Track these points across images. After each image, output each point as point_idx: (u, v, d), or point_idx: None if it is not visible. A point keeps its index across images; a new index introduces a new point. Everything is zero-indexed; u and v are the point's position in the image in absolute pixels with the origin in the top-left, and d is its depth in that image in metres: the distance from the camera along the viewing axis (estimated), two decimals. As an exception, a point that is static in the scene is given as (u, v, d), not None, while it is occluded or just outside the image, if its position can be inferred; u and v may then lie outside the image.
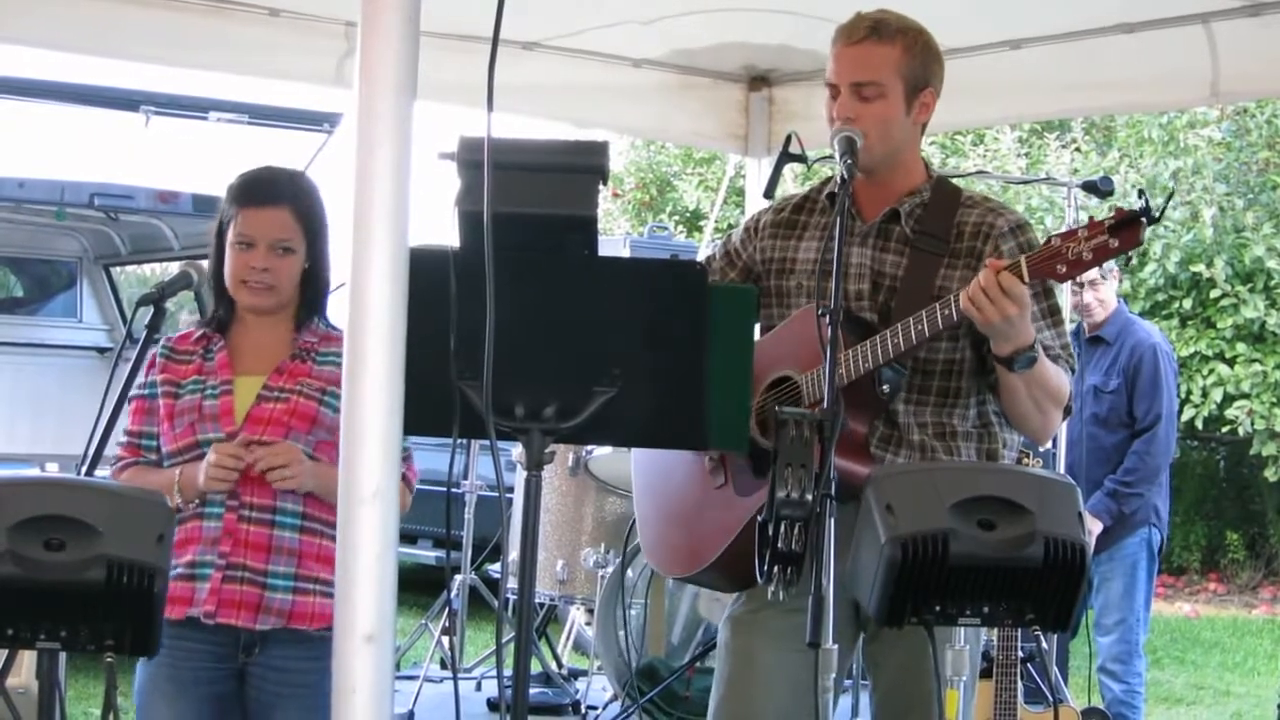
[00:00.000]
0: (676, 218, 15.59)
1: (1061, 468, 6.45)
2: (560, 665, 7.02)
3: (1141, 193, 3.22)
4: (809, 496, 2.81)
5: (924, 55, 3.50)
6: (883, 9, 3.53)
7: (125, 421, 3.71)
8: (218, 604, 3.52)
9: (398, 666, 6.43)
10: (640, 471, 3.92)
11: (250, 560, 3.56)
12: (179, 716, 3.63)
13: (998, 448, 3.57)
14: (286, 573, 3.59)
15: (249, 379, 3.67)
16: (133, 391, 3.71)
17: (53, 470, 7.58)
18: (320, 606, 3.62)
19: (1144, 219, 3.10)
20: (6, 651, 2.74)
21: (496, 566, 7.36)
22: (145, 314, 3.49)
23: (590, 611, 6.48)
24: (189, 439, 3.62)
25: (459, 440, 2.83)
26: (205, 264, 3.72)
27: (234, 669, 3.63)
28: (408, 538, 9.37)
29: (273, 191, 3.68)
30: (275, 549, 3.58)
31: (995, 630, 5.21)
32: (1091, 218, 3.20)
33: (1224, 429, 12.12)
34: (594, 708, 6.27)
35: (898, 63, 3.46)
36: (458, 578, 7.09)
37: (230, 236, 3.65)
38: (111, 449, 3.67)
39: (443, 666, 6.70)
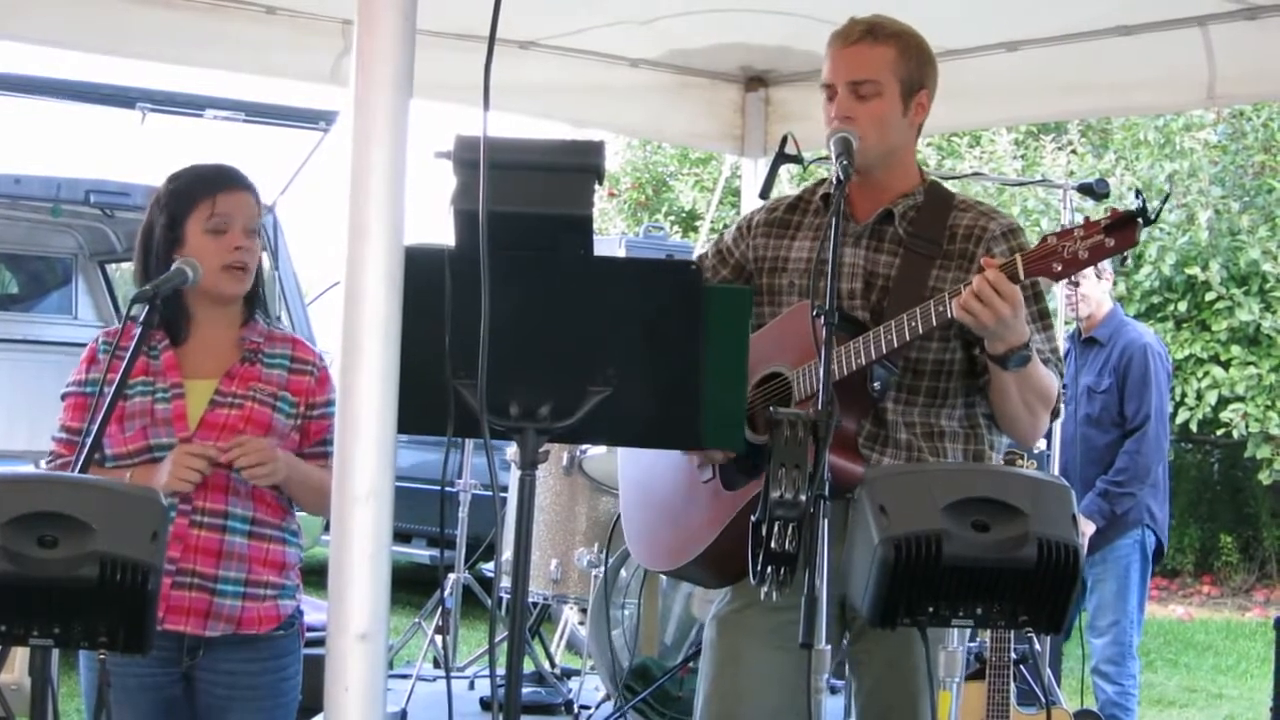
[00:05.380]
0: (672, 218, 15.59)
1: (1055, 469, 6.45)
2: (553, 664, 7.02)
3: (1139, 193, 3.23)
4: (803, 497, 2.82)
5: (918, 57, 3.54)
6: (877, 14, 3.56)
7: (62, 416, 3.68)
8: (166, 610, 3.46)
9: (391, 665, 6.43)
10: (627, 464, 3.92)
11: (200, 566, 3.55)
12: None
13: (984, 449, 3.59)
14: (237, 579, 3.59)
15: (200, 383, 3.65)
16: (69, 388, 3.69)
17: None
18: (267, 610, 3.64)
19: (1140, 219, 3.11)
20: (0, 648, 2.73)
21: (490, 565, 7.37)
22: (140, 311, 3.48)
23: (584, 611, 6.48)
24: (140, 443, 3.59)
25: (453, 439, 2.83)
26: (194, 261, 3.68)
27: (179, 673, 3.61)
28: (402, 536, 9.37)
29: (240, 177, 3.71)
30: (226, 555, 3.58)
31: (988, 631, 5.21)
32: (1088, 217, 3.21)
33: (1218, 432, 12.13)
34: (587, 707, 6.27)
35: (894, 63, 3.49)
36: (451, 576, 7.09)
37: (200, 225, 3.61)
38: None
39: (436, 665, 6.70)
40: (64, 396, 3.69)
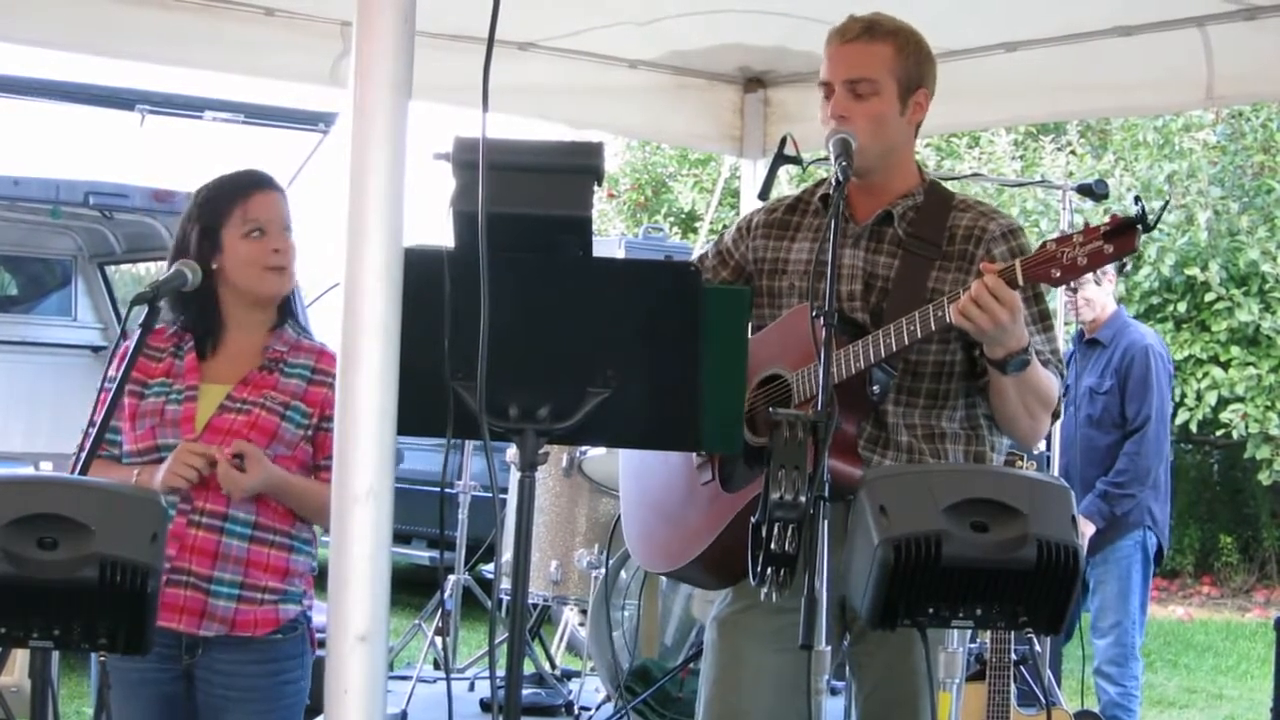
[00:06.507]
0: (671, 219, 15.60)
1: (1055, 470, 6.46)
2: (553, 666, 7.02)
3: (1138, 199, 3.22)
4: (802, 498, 2.81)
5: (917, 55, 3.52)
6: (876, 11, 3.55)
7: (92, 411, 3.70)
8: (160, 607, 3.46)
9: (391, 667, 6.43)
10: (628, 465, 3.92)
11: (195, 566, 3.56)
12: (129, 718, 3.63)
13: (985, 450, 3.58)
14: (232, 580, 3.59)
15: (216, 387, 3.67)
16: (101, 382, 3.71)
17: (46, 469, 7.57)
18: (265, 614, 3.63)
19: (1139, 226, 3.11)
20: (0, 650, 2.73)
21: (490, 567, 7.37)
22: (139, 313, 3.49)
23: (584, 612, 6.48)
24: (149, 442, 3.62)
25: (453, 440, 2.83)
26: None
27: (179, 670, 3.62)
28: (402, 538, 9.38)
29: (268, 179, 3.75)
30: (222, 556, 3.58)
31: (988, 633, 5.21)
32: (1087, 223, 3.20)
33: (1218, 432, 12.13)
34: (587, 708, 6.27)
35: (891, 61, 3.48)
36: (451, 578, 7.09)
37: (237, 231, 3.65)
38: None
39: (436, 667, 6.70)
40: (99, 390, 3.71)
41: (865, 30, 3.50)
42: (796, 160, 4.33)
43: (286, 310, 3.79)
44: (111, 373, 3.70)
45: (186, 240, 3.68)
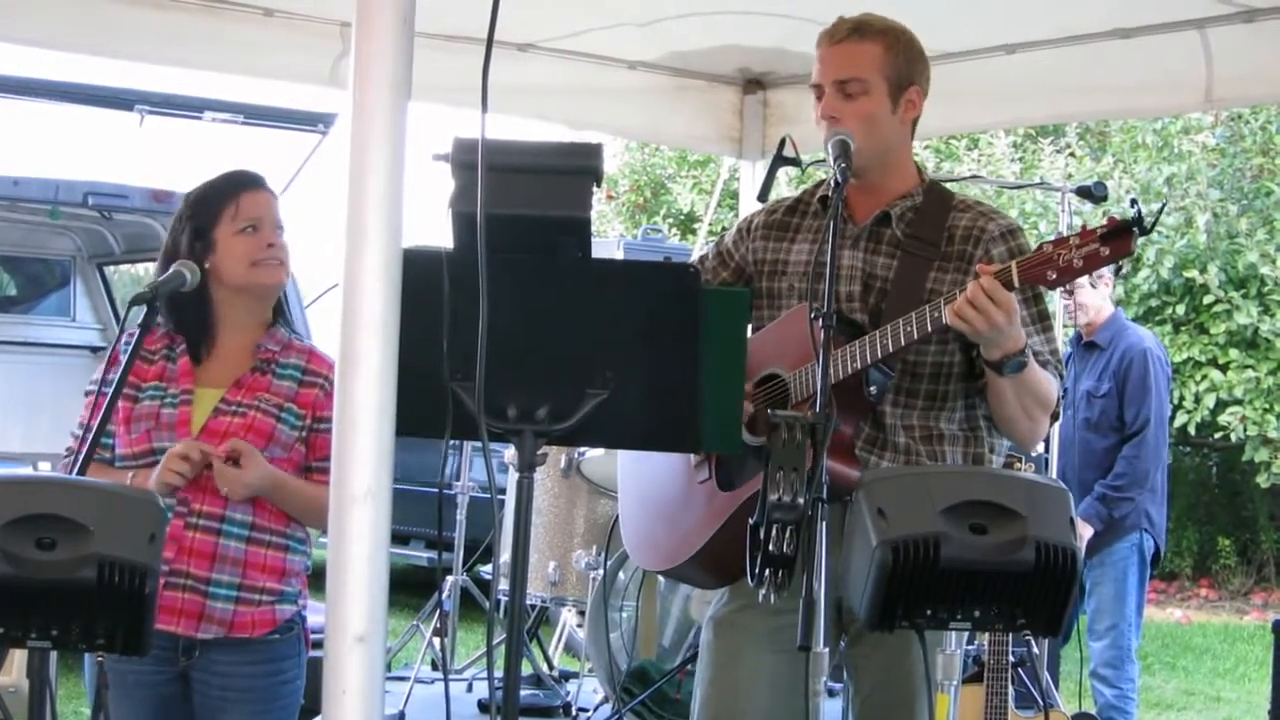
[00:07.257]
0: (670, 220, 15.59)
1: (1054, 472, 6.46)
2: (551, 667, 7.02)
3: (1134, 202, 3.22)
4: (800, 500, 2.81)
5: (907, 53, 3.52)
6: (866, 11, 3.55)
7: (82, 414, 3.70)
8: (158, 609, 3.47)
9: (389, 667, 6.43)
10: (625, 465, 3.92)
11: (193, 568, 3.56)
12: (124, 719, 3.63)
13: (984, 452, 3.58)
14: (230, 582, 3.59)
15: (210, 390, 3.67)
16: (90, 386, 3.71)
17: (45, 469, 7.57)
18: (262, 615, 3.64)
19: (1136, 229, 3.11)
20: (-2, 650, 2.74)
21: (488, 568, 7.38)
22: (138, 313, 3.49)
23: (582, 613, 6.48)
24: (144, 445, 3.62)
25: (451, 441, 2.83)
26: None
27: (176, 672, 3.62)
28: (400, 539, 9.37)
29: (258, 178, 3.75)
30: (220, 558, 3.58)
31: (986, 634, 5.21)
32: (1084, 225, 3.20)
33: (1216, 435, 12.13)
34: (585, 710, 6.26)
35: (880, 60, 3.48)
36: (449, 579, 7.09)
37: (229, 229, 3.65)
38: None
39: (434, 668, 6.69)
40: (87, 394, 3.71)
41: (853, 30, 3.51)
42: (795, 162, 4.33)
43: (279, 311, 3.79)
44: (107, 375, 3.70)
45: (177, 243, 3.69)
